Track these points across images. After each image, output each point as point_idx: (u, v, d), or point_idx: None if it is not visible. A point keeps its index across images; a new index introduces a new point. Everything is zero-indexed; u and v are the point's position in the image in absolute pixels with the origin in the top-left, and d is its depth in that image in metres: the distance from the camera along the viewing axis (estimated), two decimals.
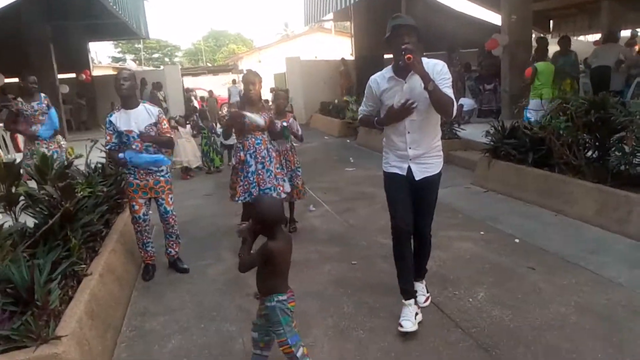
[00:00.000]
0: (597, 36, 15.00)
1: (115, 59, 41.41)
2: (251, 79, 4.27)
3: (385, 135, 3.11)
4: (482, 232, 4.67)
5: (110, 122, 3.90)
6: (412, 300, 3.08)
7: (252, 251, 2.55)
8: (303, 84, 16.60)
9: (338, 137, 12.54)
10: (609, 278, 3.53)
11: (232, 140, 5.22)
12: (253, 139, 4.27)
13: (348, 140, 11.76)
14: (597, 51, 9.13)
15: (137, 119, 3.89)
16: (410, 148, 2.97)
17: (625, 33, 13.07)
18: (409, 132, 2.95)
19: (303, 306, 3.44)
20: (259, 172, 4.27)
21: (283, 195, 4.45)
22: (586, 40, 18.06)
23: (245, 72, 4.54)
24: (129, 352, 3.05)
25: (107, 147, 3.97)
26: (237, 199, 4.31)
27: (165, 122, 4.04)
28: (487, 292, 3.46)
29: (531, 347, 2.76)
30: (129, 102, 3.92)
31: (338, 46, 27.69)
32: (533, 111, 7.37)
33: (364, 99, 3.16)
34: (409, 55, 2.63)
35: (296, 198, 5.06)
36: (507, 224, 4.84)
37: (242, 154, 4.27)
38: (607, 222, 4.48)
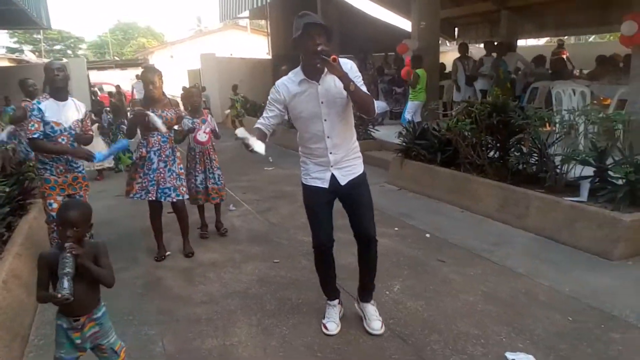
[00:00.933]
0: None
1: (11, 50, 37.98)
2: (150, 78, 4.12)
3: (301, 144, 2.92)
4: (396, 228, 4.90)
5: (40, 109, 3.64)
6: (336, 301, 3.16)
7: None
8: (220, 81, 16.30)
9: None
10: (511, 268, 3.86)
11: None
12: (159, 137, 4.16)
13: (267, 140, 11.72)
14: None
15: (67, 112, 3.75)
16: (330, 153, 2.82)
17: (522, 42, 14.28)
18: (328, 137, 2.79)
19: (226, 306, 3.43)
20: (160, 170, 4.17)
21: (186, 197, 4.40)
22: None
23: (142, 69, 4.39)
24: None
25: (33, 136, 3.63)
26: (131, 195, 4.17)
27: (89, 119, 3.97)
28: (403, 284, 3.65)
29: (444, 334, 2.96)
30: (61, 94, 3.74)
31: (254, 44, 27.50)
32: (411, 112, 8.32)
33: (267, 106, 2.85)
34: (334, 57, 2.53)
35: (219, 199, 4.96)
36: (419, 220, 5.12)
37: (144, 150, 4.14)
38: (508, 217, 4.88)
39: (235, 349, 2.90)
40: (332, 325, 3.04)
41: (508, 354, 2.71)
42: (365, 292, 3.12)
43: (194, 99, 4.93)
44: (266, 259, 4.27)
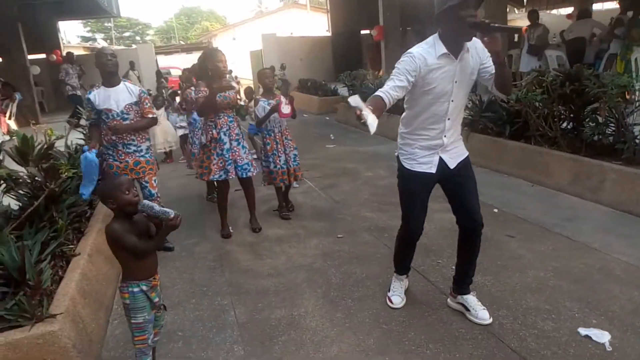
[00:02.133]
0: (569, 10, 15.17)
1: (85, 39, 40.24)
2: (218, 56, 4.21)
3: (410, 124, 2.69)
4: None
5: (89, 99, 3.86)
6: (405, 275, 3.16)
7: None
8: (280, 61, 16.46)
9: (317, 114, 12.54)
10: (584, 243, 3.70)
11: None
12: (226, 117, 4.27)
13: (327, 118, 11.78)
14: (572, 26, 9.37)
15: (118, 97, 3.85)
16: (445, 136, 2.64)
17: (598, 7, 13.28)
18: (448, 119, 2.61)
19: (293, 279, 3.54)
20: (234, 149, 4.29)
21: (257, 170, 4.50)
22: (559, 14, 18.27)
23: (209, 50, 4.46)
24: (122, 329, 3.07)
25: (89, 122, 3.95)
26: (212, 177, 4.29)
27: (147, 101, 3.97)
28: None
29: (512, 309, 2.90)
30: (112, 80, 3.88)
31: (314, 22, 27.42)
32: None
33: (397, 74, 2.49)
34: (525, 28, 2.39)
35: (294, 181, 4.99)
36: (487, 195, 4.97)
37: (215, 131, 4.24)
38: (581, 190, 4.65)
39: (303, 319, 2.99)
40: (397, 298, 3.06)
41: (581, 330, 2.62)
42: (467, 283, 2.92)
43: (267, 80, 4.84)
44: (330, 234, 4.34)
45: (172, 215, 2.19)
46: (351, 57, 16.05)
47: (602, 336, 2.56)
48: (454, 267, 3.47)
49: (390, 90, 2.44)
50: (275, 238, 4.37)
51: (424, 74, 2.49)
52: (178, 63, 24.49)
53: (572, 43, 9.17)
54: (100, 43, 34.57)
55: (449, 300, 3.03)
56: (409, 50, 2.53)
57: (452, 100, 2.58)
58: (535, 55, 8.99)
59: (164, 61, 24.72)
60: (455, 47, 2.49)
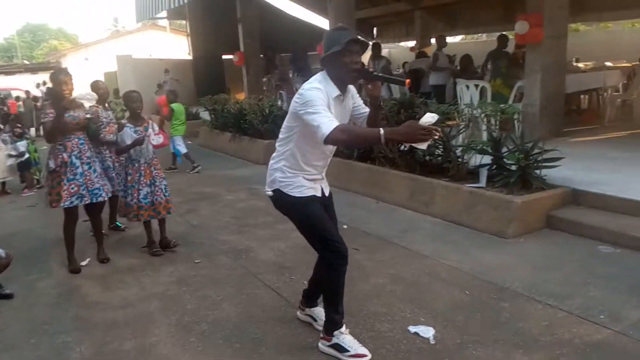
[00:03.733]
0: (411, 43, 16.91)
1: None
2: (61, 79, 4.01)
3: (295, 159, 2.66)
4: None
5: None
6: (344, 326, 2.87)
7: None
8: (137, 84, 15.80)
9: None
10: (417, 251, 4.18)
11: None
12: (76, 140, 4.10)
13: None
14: (414, 60, 10.63)
15: None
16: (324, 171, 2.83)
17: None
18: (329, 157, 2.78)
19: (145, 308, 3.46)
20: (86, 173, 4.12)
21: (109, 195, 4.35)
22: (405, 46, 20.21)
23: (53, 72, 4.25)
24: None
25: None
26: (62, 203, 4.06)
27: None
28: None
29: (355, 316, 3.16)
30: None
31: (174, 44, 26.86)
32: (180, 145, 8.44)
33: (319, 106, 2.42)
34: (408, 81, 2.62)
35: (164, 214, 4.58)
36: (338, 213, 5.20)
37: (65, 155, 4.05)
38: (417, 205, 5.23)
39: (154, 347, 2.96)
40: (363, 349, 2.74)
41: (411, 327, 2.98)
42: (318, 296, 3.07)
43: (134, 104, 4.46)
44: (186, 260, 4.32)
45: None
46: (213, 81, 16.03)
47: (428, 331, 2.93)
48: (306, 282, 3.69)
49: (336, 120, 2.42)
50: (127, 268, 4.22)
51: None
52: (21, 84, 22.28)
53: (413, 73, 10.29)
54: None
55: (298, 313, 3.20)
56: (316, 86, 2.52)
57: None
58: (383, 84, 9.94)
59: (4, 81, 22.32)
60: (342, 89, 2.60)
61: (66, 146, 4.07)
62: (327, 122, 2.36)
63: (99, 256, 4.38)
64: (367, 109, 2.75)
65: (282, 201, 2.74)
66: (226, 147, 9.82)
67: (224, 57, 16.68)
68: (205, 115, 11.89)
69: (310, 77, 2.63)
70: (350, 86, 2.70)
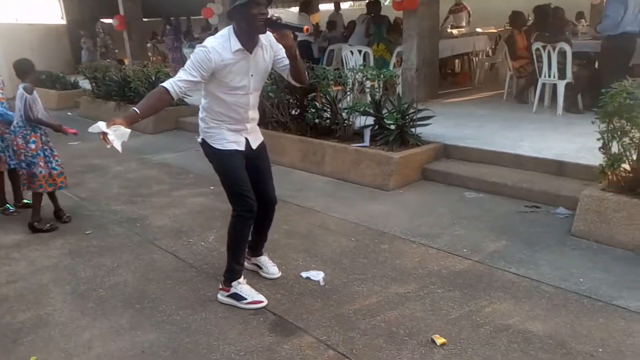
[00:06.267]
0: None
1: None
2: None
3: (212, 111, 2.79)
4: (212, 187, 5.17)
5: None
6: (242, 277, 3.04)
7: None
8: (4, 52, 14.31)
9: (57, 109, 11.39)
10: (309, 207, 4.47)
11: None
12: None
13: (69, 113, 10.85)
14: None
15: None
16: (248, 122, 2.85)
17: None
18: (251, 109, 2.82)
19: (37, 282, 3.39)
20: None
21: None
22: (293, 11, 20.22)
23: None
24: None
25: None
26: None
27: None
28: (217, 234, 3.98)
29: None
30: None
31: (44, 8, 24.41)
32: None
33: (190, 67, 2.58)
34: (307, 27, 2.54)
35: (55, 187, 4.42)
36: None
37: None
38: (309, 165, 5.52)
39: (51, 316, 2.94)
40: (260, 296, 2.97)
41: (303, 273, 3.28)
42: (261, 246, 3.31)
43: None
44: (76, 232, 4.21)
45: None
46: None
47: (318, 275, 3.24)
48: (202, 243, 3.83)
49: (180, 82, 2.57)
50: (13, 244, 4.04)
51: (219, 69, 2.60)
52: None
53: (301, 42, 10.46)
54: None
55: (245, 262, 3.15)
56: (204, 44, 2.60)
57: (251, 93, 2.76)
58: None
59: None
60: (249, 43, 2.63)
61: None
62: (167, 81, 2.60)
63: None
64: (287, 60, 2.78)
65: (207, 151, 2.90)
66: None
67: (103, 20, 15.60)
68: (85, 84, 11.16)
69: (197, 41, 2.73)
70: (270, 37, 2.70)
